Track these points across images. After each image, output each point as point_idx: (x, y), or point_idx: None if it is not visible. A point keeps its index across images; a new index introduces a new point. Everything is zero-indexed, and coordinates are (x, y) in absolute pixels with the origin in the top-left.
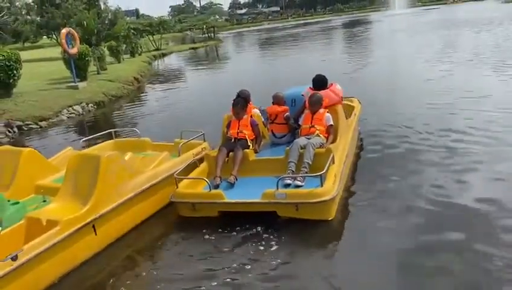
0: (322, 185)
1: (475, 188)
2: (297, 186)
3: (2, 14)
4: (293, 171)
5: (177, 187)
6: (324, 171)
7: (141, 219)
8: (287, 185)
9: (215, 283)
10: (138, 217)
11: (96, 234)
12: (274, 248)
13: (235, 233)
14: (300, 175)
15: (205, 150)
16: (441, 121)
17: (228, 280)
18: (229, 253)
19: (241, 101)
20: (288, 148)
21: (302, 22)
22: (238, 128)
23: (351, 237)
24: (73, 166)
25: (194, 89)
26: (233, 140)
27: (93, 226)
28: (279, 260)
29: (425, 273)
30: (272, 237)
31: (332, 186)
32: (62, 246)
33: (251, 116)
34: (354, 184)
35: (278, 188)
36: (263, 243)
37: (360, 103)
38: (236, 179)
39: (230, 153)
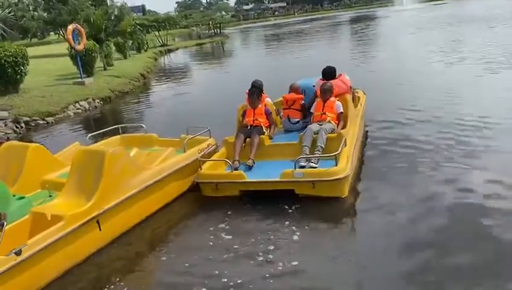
0: (336, 165)
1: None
2: (312, 168)
3: (9, 11)
4: (307, 154)
5: (200, 169)
6: (338, 152)
7: (146, 215)
8: (302, 167)
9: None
10: (143, 212)
11: (100, 229)
12: (292, 223)
13: (255, 213)
14: (316, 156)
15: (211, 146)
16: (443, 113)
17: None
18: (250, 231)
19: (257, 91)
20: (301, 134)
21: (308, 17)
22: (254, 116)
23: (362, 212)
24: (78, 162)
25: (200, 85)
26: (249, 127)
27: (98, 222)
28: (297, 235)
29: (431, 248)
30: (289, 213)
31: (345, 166)
32: (66, 241)
33: (265, 105)
34: (362, 167)
35: (295, 168)
36: (281, 220)
37: (365, 94)
38: (254, 163)
39: (247, 139)
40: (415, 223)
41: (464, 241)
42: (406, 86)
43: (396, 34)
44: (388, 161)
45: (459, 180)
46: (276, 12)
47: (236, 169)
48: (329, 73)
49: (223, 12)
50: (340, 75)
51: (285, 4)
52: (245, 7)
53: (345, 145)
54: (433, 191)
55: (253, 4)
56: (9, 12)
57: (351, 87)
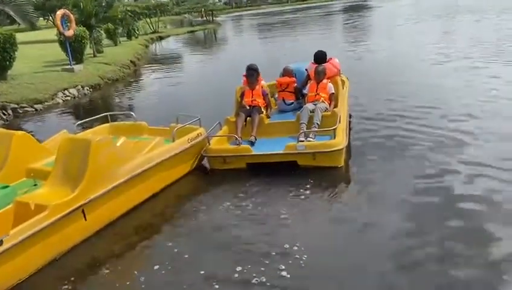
0: (334, 138)
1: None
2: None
3: None
4: (305, 131)
5: (209, 144)
6: (336, 126)
7: (133, 205)
8: (301, 142)
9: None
10: (130, 202)
11: (85, 219)
12: (295, 190)
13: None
14: (316, 131)
15: (201, 136)
16: (421, 96)
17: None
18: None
19: (255, 73)
20: (299, 112)
21: (301, 6)
22: (252, 97)
23: (356, 179)
24: (64, 150)
25: (192, 73)
26: (248, 107)
27: (83, 211)
28: (301, 199)
29: (417, 211)
30: (291, 182)
31: (342, 139)
32: (50, 231)
33: (262, 87)
34: (351, 141)
35: (298, 142)
36: (285, 189)
37: (347, 79)
38: (256, 139)
39: (247, 118)
40: (399, 186)
41: (448, 207)
42: (386, 75)
43: (384, 25)
44: (371, 137)
45: (440, 153)
46: (269, 0)
47: (239, 145)
48: (320, 57)
49: (216, 0)
50: (331, 58)
51: None
52: None
53: (340, 122)
54: (411, 159)
55: None
56: None
57: (339, 70)
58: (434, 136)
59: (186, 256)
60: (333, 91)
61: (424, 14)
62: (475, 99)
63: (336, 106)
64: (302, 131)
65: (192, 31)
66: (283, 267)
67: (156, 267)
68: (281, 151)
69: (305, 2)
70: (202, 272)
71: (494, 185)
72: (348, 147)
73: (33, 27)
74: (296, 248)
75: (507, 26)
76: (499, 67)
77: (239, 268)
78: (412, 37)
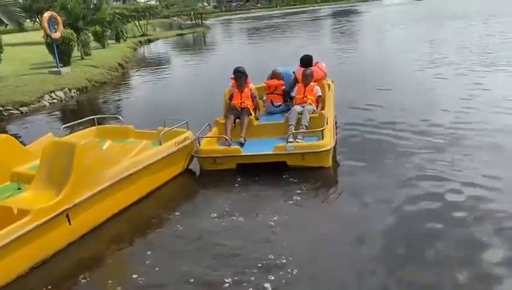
0: (323, 139)
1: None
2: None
3: None
4: (293, 132)
5: (199, 145)
6: (324, 127)
7: (118, 209)
8: (290, 142)
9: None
10: (115, 206)
11: (70, 224)
12: (284, 191)
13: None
14: (305, 131)
15: (188, 139)
16: (403, 98)
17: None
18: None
19: (243, 76)
20: (287, 114)
21: (289, 11)
22: (241, 99)
23: (343, 178)
24: (49, 153)
25: (181, 76)
26: (237, 109)
27: (67, 216)
28: (291, 200)
29: (398, 204)
30: (280, 183)
31: (330, 140)
32: (32, 236)
33: (250, 89)
34: (337, 142)
35: (287, 143)
36: (275, 189)
37: (333, 82)
38: (245, 140)
39: (237, 120)
40: (384, 184)
41: (437, 205)
42: (372, 79)
43: (372, 31)
44: (356, 138)
45: (425, 154)
46: (259, 4)
47: (228, 146)
48: (306, 61)
49: (205, 3)
50: (317, 62)
51: None
52: None
53: (327, 123)
54: (396, 159)
55: None
56: None
57: (326, 74)
58: (418, 137)
59: (167, 266)
60: (320, 94)
61: (411, 20)
62: (458, 104)
63: (323, 108)
64: (290, 132)
65: (181, 34)
66: (272, 277)
67: (134, 276)
68: (271, 152)
69: (294, 6)
70: (183, 283)
71: (475, 186)
72: (335, 147)
73: (21, 28)
74: (283, 259)
75: (492, 33)
76: (483, 73)
77: (227, 279)
78: (399, 42)
